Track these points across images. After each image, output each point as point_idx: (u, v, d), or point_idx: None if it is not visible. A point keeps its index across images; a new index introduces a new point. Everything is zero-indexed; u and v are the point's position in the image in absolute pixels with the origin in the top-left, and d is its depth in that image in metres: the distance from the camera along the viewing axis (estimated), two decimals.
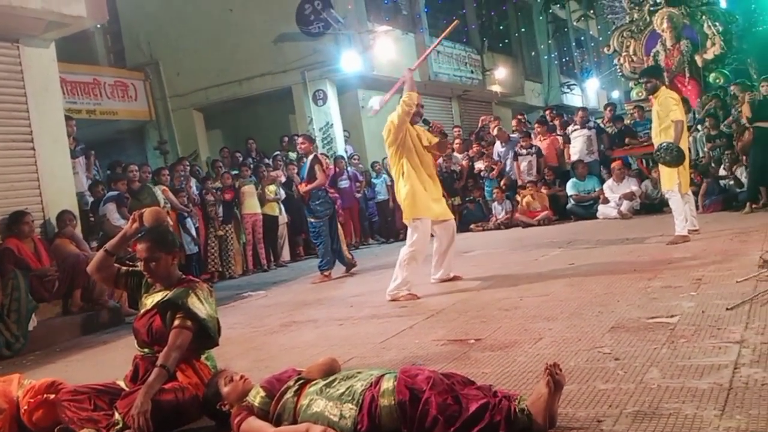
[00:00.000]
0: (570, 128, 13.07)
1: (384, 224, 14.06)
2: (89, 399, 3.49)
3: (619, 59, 15.16)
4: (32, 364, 6.03)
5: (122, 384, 3.66)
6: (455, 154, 13.80)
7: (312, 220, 9.01)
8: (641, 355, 3.61)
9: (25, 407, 3.72)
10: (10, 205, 7.55)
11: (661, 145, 7.46)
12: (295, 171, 12.29)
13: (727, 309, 4.29)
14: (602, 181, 11.99)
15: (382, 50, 14.91)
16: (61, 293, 7.51)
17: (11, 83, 7.84)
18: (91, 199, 9.23)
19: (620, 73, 15.64)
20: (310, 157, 9.05)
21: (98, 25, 14.16)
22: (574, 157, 12.59)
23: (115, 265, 3.91)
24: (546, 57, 24.62)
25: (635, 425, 2.70)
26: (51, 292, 7.36)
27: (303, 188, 8.96)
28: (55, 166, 8.18)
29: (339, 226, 9.26)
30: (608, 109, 14.42)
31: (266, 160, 12.54)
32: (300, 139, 9.53)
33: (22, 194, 7.79)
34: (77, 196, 8.69)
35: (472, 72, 19.27)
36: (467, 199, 13.36)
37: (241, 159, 12.42)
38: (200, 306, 3.60)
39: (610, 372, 3.42)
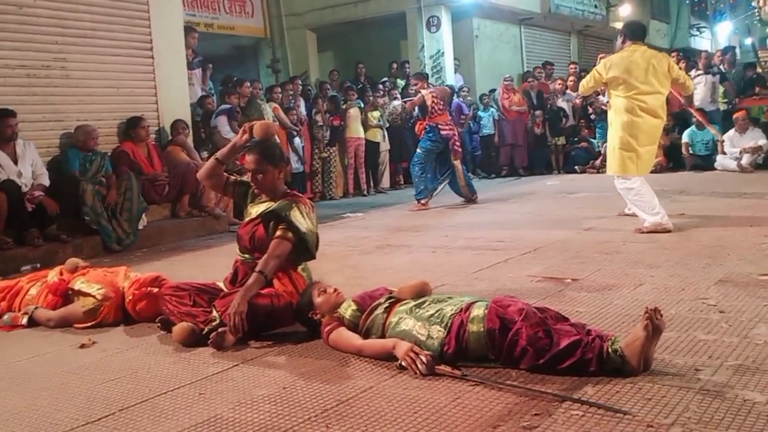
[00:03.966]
0: (693, 73, 12.25)
1: (487, 159, 13.83)
2: (189, 295, 3.67)
3: (758, 2, 14.00)
4: (139, 260, 6.37)
5: (221, 285, 3.81)
6: (569, 91, 13.27)
7: (418, 150, 9.15)
8: (749, 311, 3.42)
9: (130, 297, 3.97)
10: (128, 111, 7.86)
11: None
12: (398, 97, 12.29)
13: None
14: (724, 131, 11.28)
15: None
16: (171, 198, 7.87)
17: None
18: (201, 111, 9.48)
19: (758, 17, 14.47)
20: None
21: None
22: (696, 105, 11.86)
23: (225, 173, 4.01)
24: None
25: (736, 377, 2.57)
26: (161, 195, 7.74)
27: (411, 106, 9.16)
28: (172, 76, 8.43)
29: (456, 162, 9.14)
30: (728, 54, 13.22)
31: (378, 86, 12.44)
32: (413, 80, 9.64)
33: (139, 101, 8.09)
34: (191, 106, 8.96)
35: (595, 6, 18.33)
36: (575, 139, 12.92)
37: (348, 84, 12.37)
38: (302, 220, 3.66)
39: (713, 324, 3.26)
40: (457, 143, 9.18)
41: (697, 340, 3.04)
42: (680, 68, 12.12)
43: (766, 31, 14.36)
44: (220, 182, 3.99)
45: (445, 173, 9.14)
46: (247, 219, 3.85)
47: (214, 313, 3.51)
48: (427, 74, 11.05)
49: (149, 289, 3.95)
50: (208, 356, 3.34)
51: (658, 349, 2.82)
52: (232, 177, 4.05)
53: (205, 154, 8.43)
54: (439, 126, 8.95)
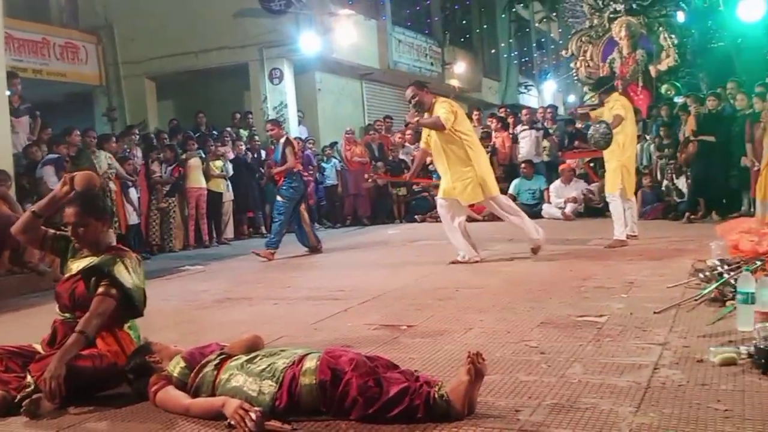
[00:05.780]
0: (519, 128, 13.16)
1: (331, 209, 13.99)
2: (1, 360, 3.38)
3: (576, 63, 15.34)
4: None
5: (38, 347, 3.55)
6: (407, 144, 13.78)
7: (279, 198, 9.05)
8: (566, 351, 3.66)
9: None
10: None
11: (599, 122, 7.56)
12: (243, 149, 12.27)
13: (654, 312, 4.37)
14: (549, 181, 12.14)
15: (343, 34, 14.79)
16: None
17: None
18: (25, 161, 8.91)
19: (576, 77, 15.82)
20: (282, 140, 9.08)
21: None
22: (522, 158, 12.70)
23: (43, 228, 3.78)
24: (506, 56, 24.78)
25: (552, 416, 2.73)
26: None
27: (275, 170, 9.10)
28: None
29: (303, 209, 9.19)
30: (548, 110, 14.38)
31: (214, 133, 12.33)
32: (269, 126, 9.58)
33: None
34: (15, 156, 8.40)
35: (431, 64, 19.28)
36: (415, 190, 13.38)
37: (188, 132, 12.14)
38: (127, 275, 3.51)
39: (534, 365, 3.45)
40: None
41: (518, 382, 3.20)
42: (508, 123, 13.12)
43: (584, 90, 15.69)
44: (37, 236, 3.75)
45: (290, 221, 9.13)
46: (66, 275, 3.63)
47: (29, 379, 3.25)
48: (281, 121, 11.09)
49: None
50: (20, 426, 3.08)
51: (483, 392, 2.94)
52: (51, 231, 3.81)
53: (29, 206, 7.89)
54: (302, 173, 9.03)
